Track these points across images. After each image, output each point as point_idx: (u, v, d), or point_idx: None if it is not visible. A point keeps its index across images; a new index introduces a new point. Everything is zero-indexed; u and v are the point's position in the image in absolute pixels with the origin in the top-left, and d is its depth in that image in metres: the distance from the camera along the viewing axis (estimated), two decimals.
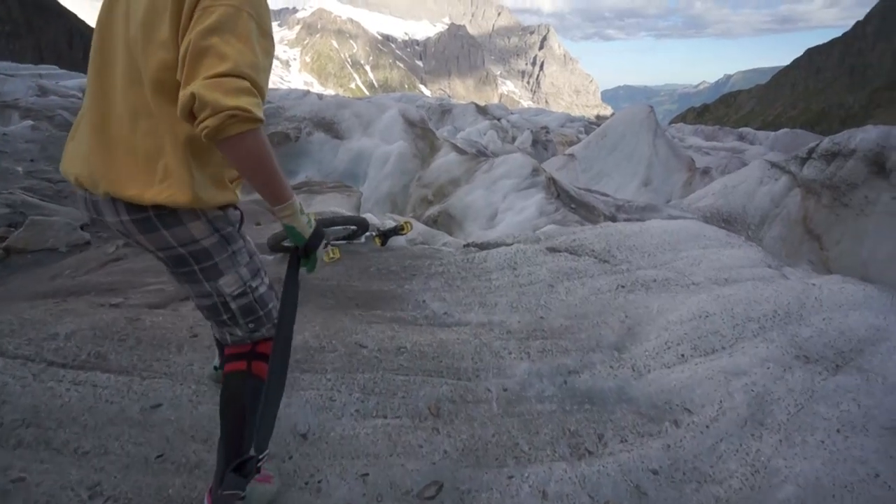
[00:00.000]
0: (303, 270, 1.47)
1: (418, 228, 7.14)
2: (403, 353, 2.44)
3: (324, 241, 1.41)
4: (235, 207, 1.44)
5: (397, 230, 4.43)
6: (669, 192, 15.26)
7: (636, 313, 2.89)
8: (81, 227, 4.91)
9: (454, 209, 8.80)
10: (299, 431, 1.93)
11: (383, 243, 4.32)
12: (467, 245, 4.77)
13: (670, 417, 2.07)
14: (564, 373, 2.40)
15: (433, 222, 8.64)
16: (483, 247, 4.51)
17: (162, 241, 1.31)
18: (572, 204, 9.27)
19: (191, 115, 1.09)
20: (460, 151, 10.28)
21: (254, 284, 1.46)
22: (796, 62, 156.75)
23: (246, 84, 1.10)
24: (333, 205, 7.16)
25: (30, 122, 7.70)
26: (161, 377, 2.12)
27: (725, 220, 9.45)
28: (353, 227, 4.19)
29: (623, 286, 3.26)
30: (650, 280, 3.35)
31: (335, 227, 4.19)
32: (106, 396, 1.97)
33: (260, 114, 1.12)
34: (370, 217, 5.09)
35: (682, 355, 2.40)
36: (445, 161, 9.59)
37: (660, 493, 1.73)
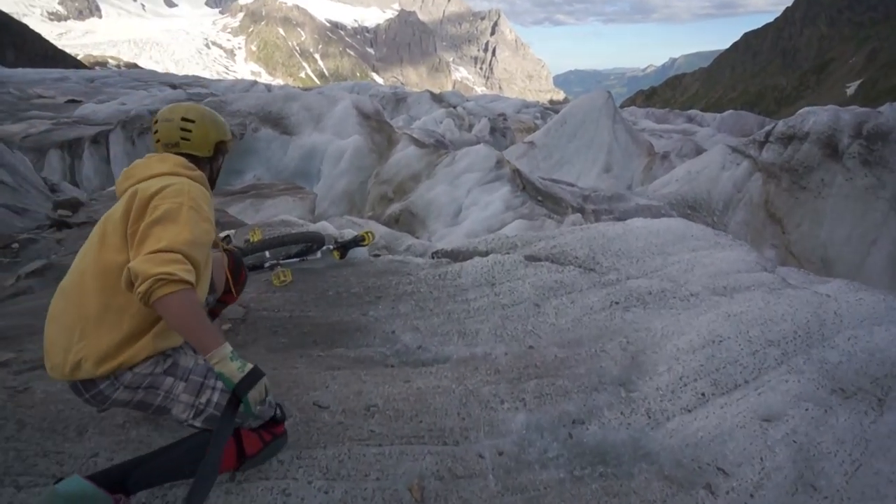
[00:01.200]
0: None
1: (380, 231, 6.64)
2: (374, 413, 1.99)
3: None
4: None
5: (358, 241, 3.93)
6: (630, 177, 15.28)
7: (638, 337, 2.54)
8: None
9: (416, 207, 8.32)
10: None
11: (342, 256, 3.82)
12: (436, 254, 4.33)
13: (702, 481, 1.72)
14: (568, 423, 2.02)
15: (395, 222, 8.14)
16: (454, 256, 4.08)
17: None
18: (539, 196, 8.97)
19: (130, 284, 1.33)
20: (420, 144, 9.77)
21: (202, 400, 1.54)
22: (735, 46, 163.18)
23: (177, 256, 1.36)
24: (284, 209, 6.54)
25: None
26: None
27: (691, 207, 9.39)
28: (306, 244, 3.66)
29: (617, 302, 2.91)
30: (644, 292, 3.01)
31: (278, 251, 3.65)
32: None
33: (188, 277, 1.34)
34: (327, 226, 4.56)
35: (703, 394, 2.05)
36: (404, 155, 9.07)
37: None
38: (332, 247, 3.77)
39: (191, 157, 1.72)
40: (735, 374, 2.13)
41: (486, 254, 3.92)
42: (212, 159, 1.81)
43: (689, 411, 1.99)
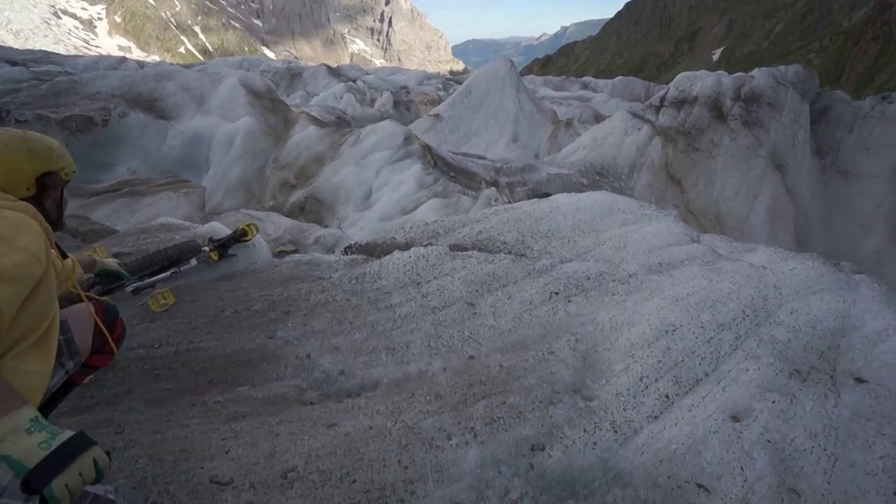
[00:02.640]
0: None
1: (284, 224, 5.99)
2: (293, 480, 1.57)
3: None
4: None
5: (238, 237, 3.36)
6: (537, 146, 15.51)
7: (586, 333, 2.32)
8: None
9: (322, 192, 7.68)
10: None
11: (221, 256, 3.23)
12: (349, 249, 3.87)
13: (685, 501, 1.51)
14: (527, 450, 1.74)
15: (300, 210, 7.46)
16: (370, 251, 3.66)
17: None
18: (451, 172, 8.68)
19: None
20: (320, 123, 9.01)
21: None
22: (618, 15, 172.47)
23: None
24: (167, 209, 5.65)
25: None
26: None
27: (599, 173, 9.61)
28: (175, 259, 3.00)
29: (557, 293, 2.68)
30: (582, 277, 2.82)
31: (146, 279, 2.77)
32: None
33: None
34: (217, 227, 3.90)
35: (666, 396, 1.87)
36: (304, 136, 8.30)
37: None
38: (207, 249, 3.16)
39: (49, 183, 1.43)
40: (694, 366, 1.96)
41: (406, 246, 3.54)
42: (40, 197, 1.42)
43: (656, 418, 1.79)
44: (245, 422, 1.87)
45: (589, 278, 2.82)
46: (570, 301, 2.62)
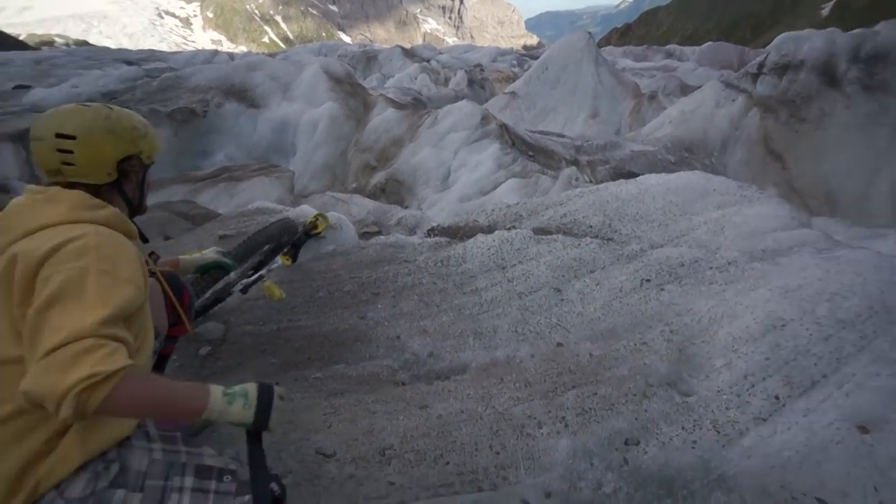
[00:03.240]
0: None
1: (367, 206, 6.19)
2: (391, 457, 1.64)
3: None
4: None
5: (309, 232, 3.39)
6: (618, 122, 14.78)
7: (681, 323, 2.21)
8: None
9: (402, 174, 7.83)
10: None
11: (294, 259, 3.16)
12: (432, 232, 3.93)
13: None
14: (620, 444, 1.70)
15: (381, 192, 7.66)
16: (453, 233, 3.69)
17: None
18: (529, 151, 8.50)
19: (40, 407, 0.93)
20: (398, 106, 9.14)
21: None
22: None
23: (86, 343, 0.93)
24: (261, 192, 6.03)
25: None
26: None
27: (687, 149, 9.01)
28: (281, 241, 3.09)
29: (648, 279, 2.57)
30: (675, 264, 2.67)
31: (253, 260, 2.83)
32: None
33: (118, 362, 0.94)
34: (306, 209, 4.10)
35: (776, 397, 1.74)
36: (383, 119, 8.47)
37: None
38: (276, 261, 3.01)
39: (89, 187, 1.24)
40: (809, 366, 1.81)
41: (489, 229, 3.54)
42: (120, 183, 1.29)
43: (764, 420, 1.67)
44: (343, 398, 1.98)
45: (683, 265, 2.67)
46: (662, 289, 2.50)
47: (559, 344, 2.24)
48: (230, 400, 1.09)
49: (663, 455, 1.65)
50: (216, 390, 1.09)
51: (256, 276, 2.58)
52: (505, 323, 2.40)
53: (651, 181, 3.71)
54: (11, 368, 1.02)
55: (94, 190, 1.24)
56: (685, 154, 9.09)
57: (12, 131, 11.85)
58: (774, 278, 2.29)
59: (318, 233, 3.43)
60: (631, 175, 8.80)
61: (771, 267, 2.45)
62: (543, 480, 1.60)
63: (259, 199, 5.24)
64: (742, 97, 9.12)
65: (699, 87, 12.24)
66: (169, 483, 1.15)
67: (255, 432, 1.17)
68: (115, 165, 1.27)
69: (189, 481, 1.17)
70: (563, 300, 2.52)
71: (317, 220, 3.42)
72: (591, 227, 3.27)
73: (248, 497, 1.21)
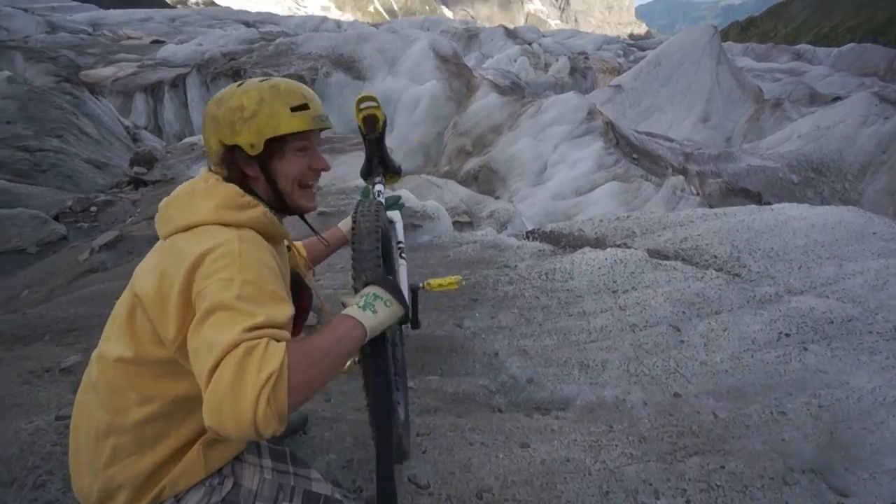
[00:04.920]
0: None
1: (460, 194, 6.06)
2: (489, 502, 1.51)
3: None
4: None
5: (397, 203, 2.87)
6: (731, 129, 13.55)
7: (833, 399, 1.88)
8: (55, 217, 4.03)
9: (497, 162, 7.62)
10: None
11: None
12: (532, 235, 3.73)
13: None
14: None
15: (473, 179, 7.52)
16: (556, 240, 3.48)
17: None
18: (634, 154, 7.96)
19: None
20: (501, 91, 8.87)
21: None
22: None
23: (241, 350, 0.83)
24: (357, 167, 6.09)
25: (6, 74, 6.63)
26: None
27: (815, 170, 8.04)
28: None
29: (787, 334, 2.23)
30: (823, 320, 2.30)
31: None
32: None
33: (275, 357, 0.83)
34: (408, 196, 4.04)
35: None
36: (485, 104, 8.25)
37: None
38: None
39: (238, 161, 1.10)
40: None
41: (597, 242, 3.28)
42: (264, 160, 1.11)
43: None
44: (437, 418, 1.87)
45: (832, 322, 2.29)
46: (806, 349, 2.16)
47: (677, 394, 2.00)
48: (373, 309, 1.03)
49: None
50: (357, 311, 1.01)
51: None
52: (615, 358, 2.18)
53: (792, 212, 3.26)
54: (152, 366, 1.00)
55: (245, 182, 1.13)
56: (812, 175, 8.12)
57: (145, 83, 12.94)
58: None
59: (401, 203, 2.77)
60: (746, 192, 8.01)
61: None
62: None
63: (357, 177, 5.28)
64: None
65: (832, 95, 10.85)
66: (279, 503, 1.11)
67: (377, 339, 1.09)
68: (220, 154, 1.11)
69: (298, 501, 1.13)
70: (682, 342, 2.25)
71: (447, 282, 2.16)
72: (715, 257, 2.92)
73: None
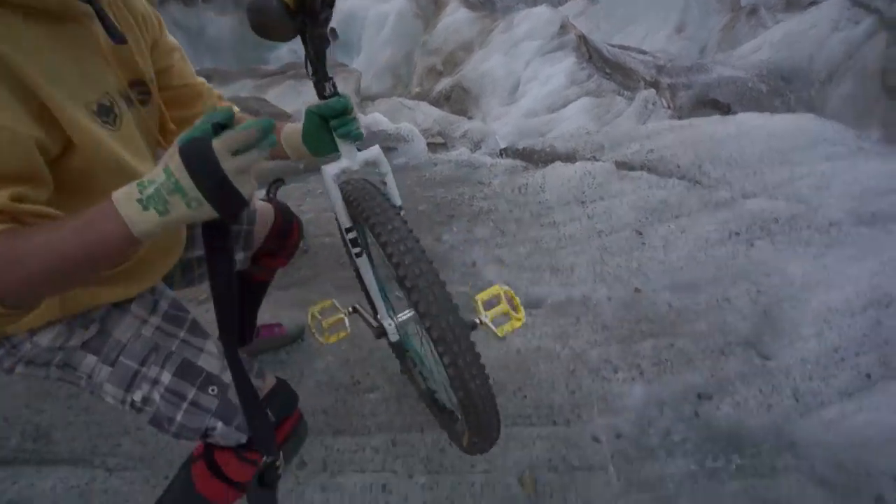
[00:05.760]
0: None
1: (433, 115, 6.03)
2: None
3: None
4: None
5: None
6: (705, 38, 13.31)
7: (770, 285, 2.13)
8: None
9: (468, 81, 7.49)
10: None
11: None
12: (506, 153, 3.82)
13: (872, 492, 1.44)
14: (693, 399, 1.74)
15: (445, 100, 7.41)
16: (528, 157, 3.58)
17: None
18: (606, 68, 7.88)
19: None
20: (471, 6, 8.50)
21: (136, 398, 0.96)
22: None
23: None
24: None
25: None
26: (134, 464, 1.47)
27: (785, 79, 8.12)
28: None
29: (738, 233, 2.45)
30: (769, 218, 2.52)
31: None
32: None
33: None
34: (380, 120, 4.04)
35: (868, 375, 1.70)
36: (454, 21, 7.94)
37: None
38: None
39: None
40: None
41: (568, 157, 3.40)
42: None
43: (850, 396, 1.65)
44: None
45: (777, 221, 2.52)
46: (752, 245, 2.39)
47: (637, 290, 2.23)
48: (162, 208, 0.65)
49: (736, 414, 1.68)
50: (132, 208, 0.65)
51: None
52: (583, 261, 2.39)
53: (752, 122, 3.40)
54: None
55: None
56: (780, 84, 8.21)
57: None
58: (887, 248, 2.14)
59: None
60: (715, 104, 8.09)
61: (882, 234, 2.28)
62: (615, 422, 1.67)
63: None
64: (870, 20, 7.92)
65: (818, 2, 10.70)
66: (142, 369, 0.96)
67: (214, 224, 0.74)
68: None
69: (166, 377, 0.96)
70: (644, 244, 2.46)
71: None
72: (678, 166, 3.08)
73: (225, 427, 0.98)
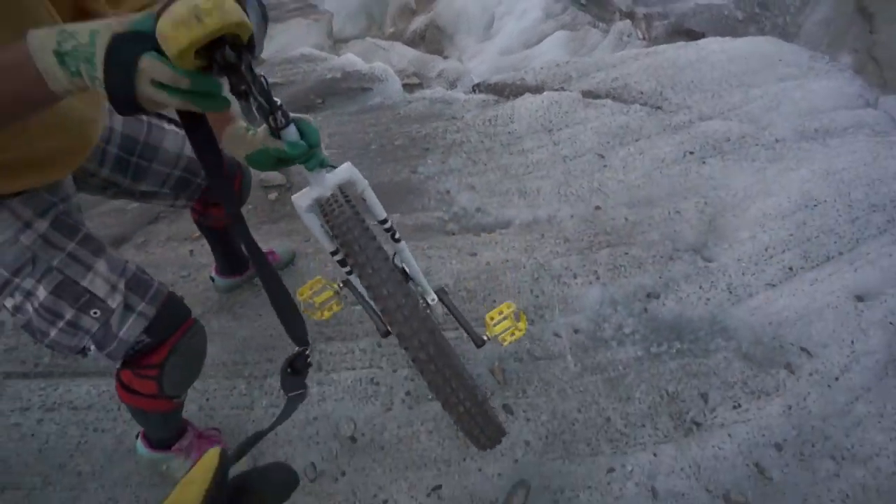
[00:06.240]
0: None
1: (408, 56, 5.98)
2: (447, 294, 1.96)
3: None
4: None
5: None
6: None
7: (716, 197, 2.34)
8: None
9: (443, 19, 7.34)
10: (344, 434, 1.57)
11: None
12: (478, 88, 3.90)
13: (783, 361, 1.72)
14: (643, 297, 1.98)
15: (420, 39, 7.29)
16: (500, 90, 3.67)
17: None
18: (582, 0, 7.74)
19: None
20: None
21: (9, 305, 0.94)
22: None
23: None
24: (299, 36, 5.82)
25: None
26: None
27: (760, 4, 8.05)
28: None
29: (692, 152, 2.64)
30: (721, 138, 2.71)
31: None
32: (93, 423, 1.55)
33: None
34: (355, 60, 4.06)
35: (790, 268, 1.94)
36: None
37: (787, 476, 1.46)
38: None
39: None
40: (829, 244, 1.98)
41: (538, 89, 3.51)
42: None
43: (774, 286, 1.90)
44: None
45: (729, 140, 2.70)
46: (704, 162, 2.58)
47: (598, 207, 2.43)
48: (73, 69, 0.59)
49: (678, 308, 1.92)
50: (47, 59, 0.59)
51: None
52: (548, 185, 2.57)
53: (713, 46, 3.51)
54: None
55: None
56: (757, 10, 8.15)
57: None
58: (819, 160, 2.34)
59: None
60: (690, 33, 8.05)
61: (820, 147, 2.48)
62: (574, 320, 1.91)
63: (299, 45, 5.11)
64: None
65: None
66: (15, 280, 0.90)
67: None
68: None
69: (41, 293, 0.90)
70: (605, 166, 2.64)
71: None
72: (641, 93, 3.22)
73: (97, 352, 0.98)
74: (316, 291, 1.49)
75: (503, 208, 2.49)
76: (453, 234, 2.37)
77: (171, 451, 1.39)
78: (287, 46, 5.16)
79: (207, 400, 1.66)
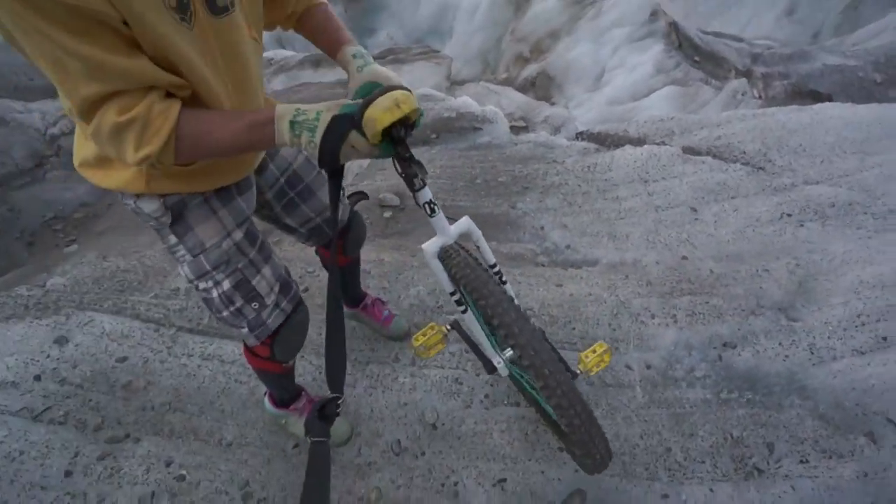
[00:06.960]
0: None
1: (517, 100, 6.38)
2: (530, 317, 2.18)
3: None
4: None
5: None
6: (821, 22, 12.35)
7: (810, 260, 2.35)
8: None
9: (554, 68, 7.71)
10: (428, 420, 1.83)
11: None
12: (581, 136, 4.13)
13: (864, 428, 1.71)
14: (718, 345, 2.05)
15: (531, 86, 7.70)
16: (602, 140, 3.88)
17: None
18: (696, 56, 7.75)
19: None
20: None
21: (202, 286, 1.23)
22: None
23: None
24: (422, 76, 6.47)
25: None
26: None
27: None
28: None
29: (790, 214, 2.66)
30: (826, 204, 2.69)
31: None
32: (235, 375, 1.95)
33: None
34: (469, 103, 4.49)
35: (884, 338, 1.93)
36: (543, 8, 8.15)
37: None
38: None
39: None
40: None
41: (639, 141, 3.67)
42: None
43: (863, 353, 1.90)
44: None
45: (834, 205, 2.68)
46: (802, 225, 2.59)
47: (684, 257, 2.53)
48: (297, 133, 0.93)
49: (754, 360, 1.98)
50: (284, 126, 0.93)
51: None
52: (638, 231, 2.71)
53: (831, 111, 3.47)
54: None
55: None
56: None
57: None
58: None
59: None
60: (814, 95, 7.69)
61: None
62: (647, 357, 2.04)
63: (422, 85, 5.70)
64: None
65: None
66: (213, 272, 1.19)
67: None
68: None
69: (226, 285, 1.20)
70: (697, 220, 2.74)
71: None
72: (744, 153, 3.26)
73: (249, 333, 1.29)
74: (427, 337, 1.65)
75: (592, 248, 2.67)
76: (543, 265, 2.59)
77: (289, 410, 1.73)
78: (411, 86, 5.77)
79: (320, 373, 2.01)
